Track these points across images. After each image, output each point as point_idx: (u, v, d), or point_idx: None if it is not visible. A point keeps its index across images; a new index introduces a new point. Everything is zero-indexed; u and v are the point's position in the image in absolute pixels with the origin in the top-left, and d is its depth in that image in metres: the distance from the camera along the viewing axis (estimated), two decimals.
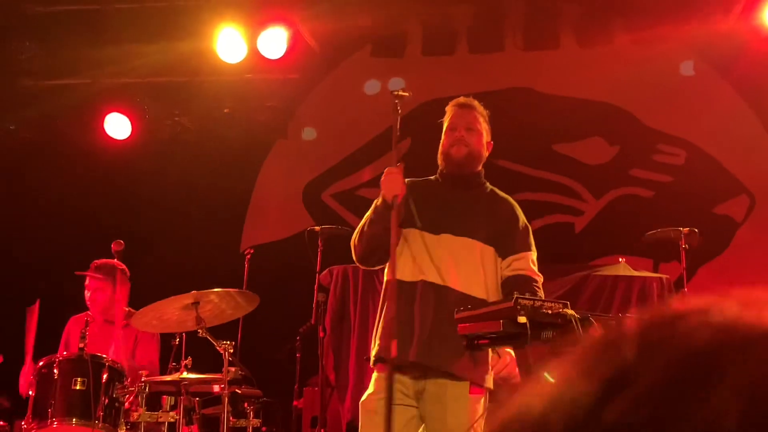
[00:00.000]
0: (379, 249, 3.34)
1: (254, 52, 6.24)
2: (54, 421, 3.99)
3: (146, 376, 4.11)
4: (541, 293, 3.29)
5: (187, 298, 4.02)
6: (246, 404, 4.30)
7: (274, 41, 6.22)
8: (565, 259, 6.31)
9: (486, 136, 3.64)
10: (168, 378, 4.11)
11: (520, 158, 6.84)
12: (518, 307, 2.65)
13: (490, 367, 3.22)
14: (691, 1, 6.17)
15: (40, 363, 4.14)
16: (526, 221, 3.51)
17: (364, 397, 3.33)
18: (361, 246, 3.46)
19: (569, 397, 0.43)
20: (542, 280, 3.40)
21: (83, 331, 4.09)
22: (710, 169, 6.71)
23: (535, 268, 3.40)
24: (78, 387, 4.01)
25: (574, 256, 6.49)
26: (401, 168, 3.38)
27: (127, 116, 6.78)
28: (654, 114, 6.84)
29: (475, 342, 2.77)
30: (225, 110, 7.02)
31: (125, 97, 6.78)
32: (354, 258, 3.57)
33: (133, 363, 4.75)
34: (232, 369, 4.08)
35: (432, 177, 3.67)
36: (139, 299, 4.79)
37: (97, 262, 4.96)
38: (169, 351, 4.55)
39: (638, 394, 0.41)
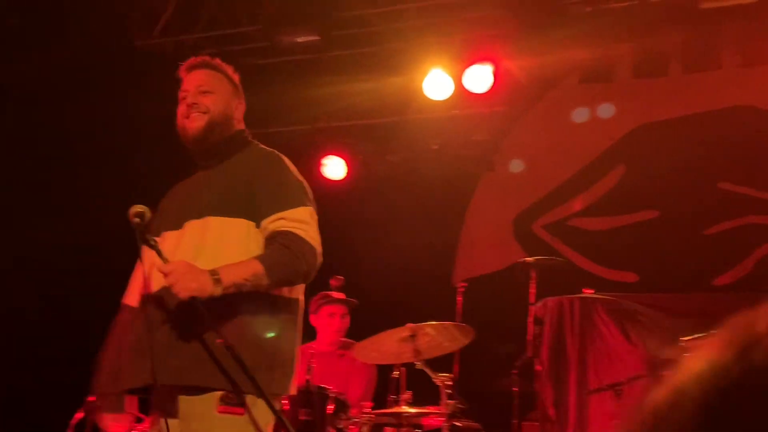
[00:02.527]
0: None
1: (460, 88, 6.33)
2: None
3: (368, 407, 4.21)
4: (298, 246, 2.59)
5: (404, 331, 4.10)
6: None
7: (480, 76, 6.27)
8: None
9: (229, 96, 2.89)
10: (390, 410, 4.19)
11: (745, 180, 6.43)
12: None
13: (269, 368, 2.56)
14: None
15: None
16: (294, 176, 2.79)
17: None
18: None
19: (711, 366, 0.48)
20: (307, 234, 2.65)
21: (309, 363, 4.25)
22: None
23: (301, 225, 2.65)
24: (304, 418, 4.17)
25: None
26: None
27: (343, 158, 7.07)
28: None
29: None
30: (433, 147, 7.15)
31: (340, 140, 7.08)
32: None
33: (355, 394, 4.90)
34: (451, 402, 4.09)
35: None
36: (356, 333, 4.95)
37: (334, 295, 5.16)
38: (388, 384, 4.65)
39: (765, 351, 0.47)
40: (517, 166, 7.30)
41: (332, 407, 4.21)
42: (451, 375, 4.03)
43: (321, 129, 7.04)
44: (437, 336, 4.21)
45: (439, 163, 7.10)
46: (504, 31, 6.12)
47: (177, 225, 2.72)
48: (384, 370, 4.94)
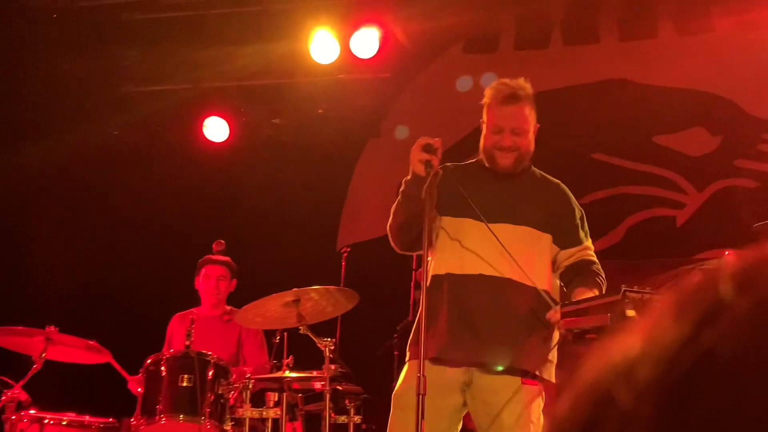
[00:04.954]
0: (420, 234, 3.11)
1: (346, 52, 6.28)
2: (162, 418, 4.09)
3: (252, 372, 4.19)
4: (603, 278, 3.24)
5: (288, 296, 4.07)
6: (347, 401, 4.34)
7: (366, 41, 6.24)
8: (667, 253, 6.13)
9: (533, 125, 3.43)
10: (271, 375, 4.18)
11: (619, 151, 6.69)
12: (626, 300, 2.58)
13: (551, 360, 3.17)
14: None
15: (148, 360, 4.25)
16: (579, 206, 3.45)
17: (398, 390, 3.32)
18: (400, 234, 3.35)
19: (660, 340, 0.42)
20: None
21: (189, 328, 4.18)
22: None
23: (593, 253, 3.35)
24: (185, 384, 4.10)
25: (677, 250, 6.29)
26: (438, 142, 3.26)
27: (225, 119, 6.92)
28: (758, 102, 6.57)
29: (585, 336, 2.71)
30: (319, 111, 7.10)
31: (223, 101, 6.93)
32: (395, 248, 3.44)
33: (237, 360, 4.86)
34: (333, 366, 4.10)
35: (473, 160, 3.52)
36: (240, 297, 4.89)
37: (213, 257, 5.10)
38: (270, 348, 4.63)
39: (727, 326, 0.40)
40: (402, 132, 7.33)
41: (212, 372, 4.17)
42: (334, 339, 4.03)
43: (203, 89, 6.86)
44: (321, 301, 4.20)
45: (325, 127, 7.05)
46: None
47: (489, 220, 3.16)
48: (268, 335, 4.91)
